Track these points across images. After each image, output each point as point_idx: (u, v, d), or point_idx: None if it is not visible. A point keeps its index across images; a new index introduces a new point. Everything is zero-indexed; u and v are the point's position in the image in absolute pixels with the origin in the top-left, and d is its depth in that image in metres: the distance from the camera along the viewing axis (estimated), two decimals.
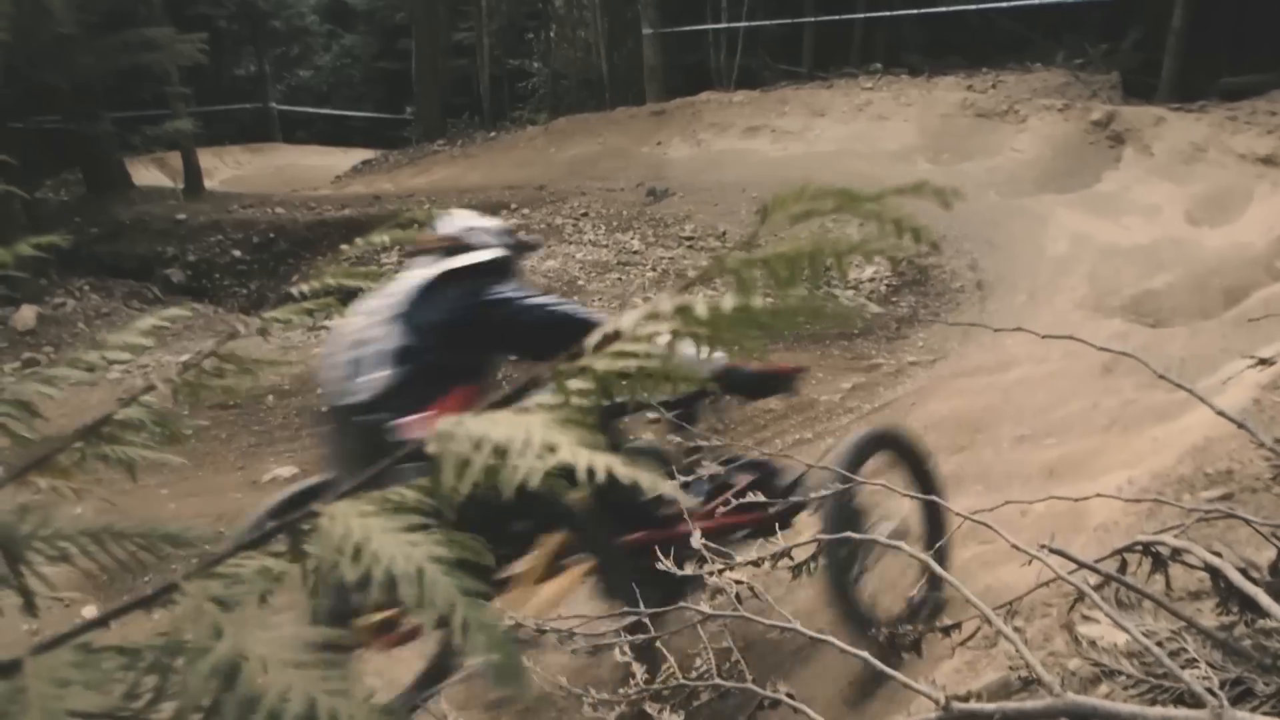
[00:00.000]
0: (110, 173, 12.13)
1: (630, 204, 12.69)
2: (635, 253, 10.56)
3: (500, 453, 0.51)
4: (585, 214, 12.41)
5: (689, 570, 1.72)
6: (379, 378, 2.63)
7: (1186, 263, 7.25)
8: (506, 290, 2.78)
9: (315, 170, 20.35)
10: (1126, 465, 3.94)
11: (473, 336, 2.70)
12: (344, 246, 12.80)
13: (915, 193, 0.60)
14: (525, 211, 12.66)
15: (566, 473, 0.50)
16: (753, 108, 13.77)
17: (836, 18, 14.49)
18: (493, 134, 17.08)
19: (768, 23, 15.38)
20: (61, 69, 9.45)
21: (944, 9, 13.50)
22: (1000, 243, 9.37)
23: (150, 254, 12.36)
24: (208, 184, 16.55)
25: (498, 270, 2.88)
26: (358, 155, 20.73)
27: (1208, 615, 1.45)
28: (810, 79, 14.82)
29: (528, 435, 0.51)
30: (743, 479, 3.37)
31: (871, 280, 9.51)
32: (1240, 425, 1.74)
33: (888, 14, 14.41)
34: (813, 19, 14.74)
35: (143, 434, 0.83)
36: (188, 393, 0.89)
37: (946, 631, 1.70)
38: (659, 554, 1.79)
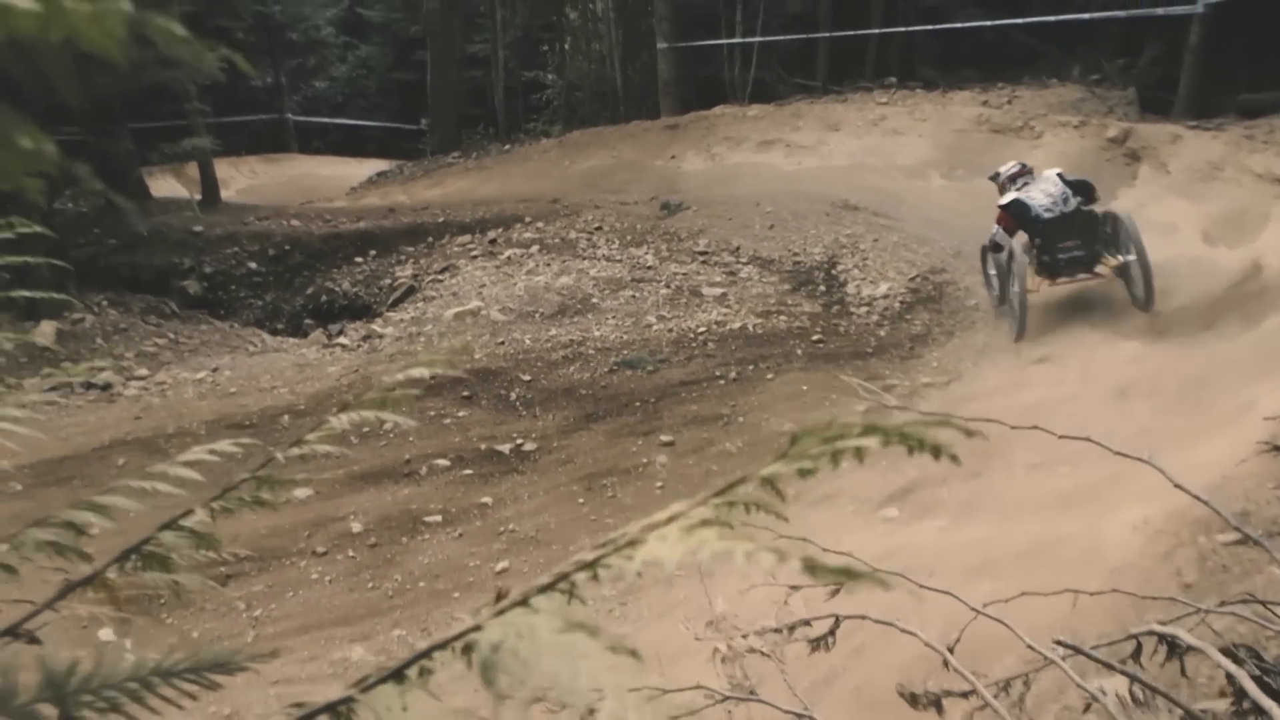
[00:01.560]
0: (129, 186, 12.23)
1: (644, 217, 12.71)
2: (649, 268, 10.57)
3: None
4: (599, 228, 12.43)
5: None
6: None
7: (1204, 283, 7.20)
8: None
9: (330, 180, 20.47)
10: (1142, 498, 3.91)
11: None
12: (358, 260, 12.91)
13: (941, 426, 0.61)
14: (539, 225, 12.70)
15: None
16: (767, 121, 13.77)
17: (851, 33, 14.48)
18: (507, 146, 17.13)
19: (782, 37, 15.39)
20: (81, 88, 9.53)
21: (958, 24, 13.47)
22: None
23: (167, 265, 12.46)
24: (224, 194, 16.68)
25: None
26: (372, 166, 20.83)
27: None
28: (825, 93, 14.82)
29: None
30: None
31: (885, 297, 9.49)
32: (1205, 503, 1.74)
33: (903, 29, 14.39)
34: (827, 34, 14.73)
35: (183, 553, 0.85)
36: (225, 514, 0.90)
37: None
38: None
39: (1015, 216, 7.34)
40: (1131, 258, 7.03)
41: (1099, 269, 7.27)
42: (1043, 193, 7.36)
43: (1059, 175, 7.62)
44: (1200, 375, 5.57)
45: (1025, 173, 7.69)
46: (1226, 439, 4.24)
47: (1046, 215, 7.24)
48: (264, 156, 21.73)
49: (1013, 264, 7.23)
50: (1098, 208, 7.55)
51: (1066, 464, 4.93)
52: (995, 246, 7.60)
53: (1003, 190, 7.65)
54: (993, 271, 8.05)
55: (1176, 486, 1.72)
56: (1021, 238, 7.34)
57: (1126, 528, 3.52)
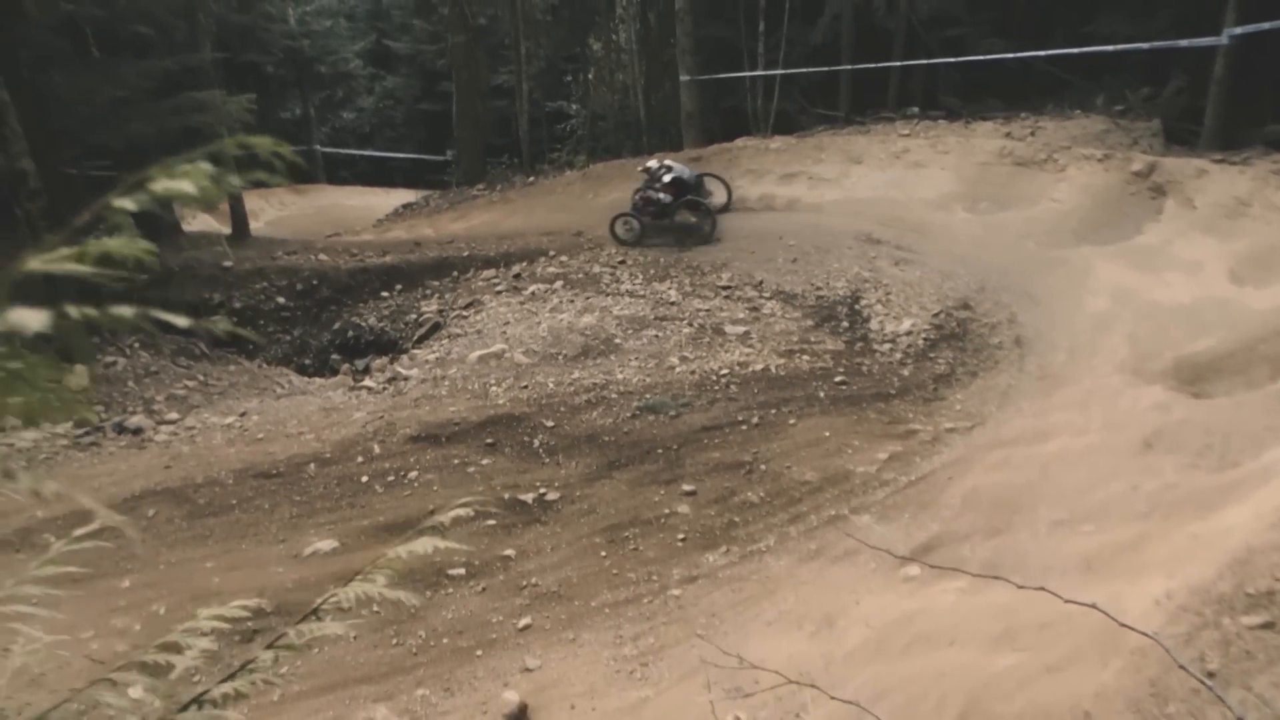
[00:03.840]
0: (162, 229, 12.49)
1: (667, 250, 12.77)
2: (672, 304, 10.61)
3: None
4: (623, 261, 12.50)
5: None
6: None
7: (1230, 326, 7.10)
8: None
9: (358, 211, 20.75)
10: (1165, 566, 3.88)
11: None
12: (384, 294, 13.05)
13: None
14: (563, 259, 12.79)
15: None
16: (789, 154, 13.80)
17: (873, 65, 14.50)
18: (531, 178, 17.28)
19: (804, 70, 15.44)
20: (117, 132, 9.78)
21: (980, 57, 13.45)
22: (1039, 295, 9.28)
23: (198, 300, 12.66)
24: (254, 225, 16.97)
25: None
26: (399, 196, 21.10)
27: None
28: (847, 123, 14.85)
29: None
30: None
31: (909, 334, 9.46)
32: (1154, 638, 1.74)
33: (925, 62, 14.39)
34: (849, 66, 14.76)
35: None
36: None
37: None
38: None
39: (677, 186, 12.60)
40: (721, 200, 13.18)
41: (710, 204, 12.81)
42: (683, 170, 12.83)
43: (676, 164, 13.05)
44: (1227, 428, 5.50)
45: (664, 164, 12.88)
46: (1251, 502, 4.19)
47: (691, 180, 12.74)
48: (293, 188, 22.08)
49: (675, 209, 12.65)
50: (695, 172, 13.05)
51: (1090, 521, 4.90)
52: (658, 205, 12.60)
53: (656, 174, 12.73)
54: (623, 231, 12.91)
55: (1123, 626, 1.73)
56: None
57: (1149, 601, 3.49)
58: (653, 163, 12.99)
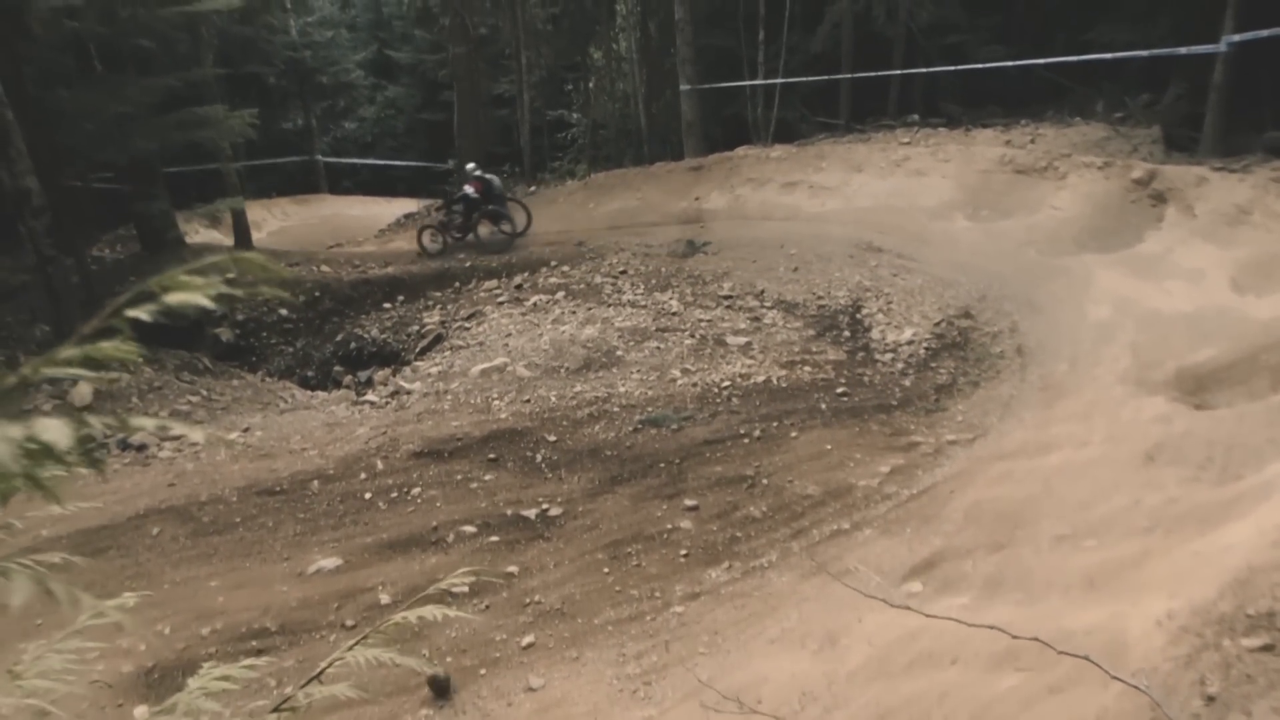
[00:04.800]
0: (166, 244, 12.56)
1: (669, 260, 12.80)
2: (674, 314, 10.63)
3: None
4: (624, 271, 12.52)
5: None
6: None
7: (1232, 336, 7.10)
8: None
9: (360, 221, 20.79)
10: (1167, 584, 3.88)
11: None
12: (386, 305, 13.08)
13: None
14: (565, 269, 12.83)
15: None
16: (790, 162, 13.83)
17: (873, 73, 14.53)
18: (532, 188, 17.32)
19: (805, 78, 15.47)
20: (121, 148, 9.83)
21: (980, 65, 13.48)
22: (1041, 304, 9.29)
23: (200, 313, 12.68)
24: (256, 235, 17.03)
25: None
26: (401, 205, 21.14)
27: None
28: (847, 131, 14.87)
29: None
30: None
31: (910, 343, 9.47)
32: (1144, 691, 1.74)
33: (925, 70, 14.42)
34: (849, 75, 14.79)
35: None
36: None
37: None
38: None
39: (484, 188, 14.10)
40: (521, 223, 14.35)
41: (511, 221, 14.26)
42: (495, 180, 14.43)
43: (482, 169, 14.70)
44: (1228, 440, 5.50)
45: (477, 171, 14.44)
46: (1253, 519, 4.20)
47: (498, 190, 14.35)
48: (295, 198, 22.16)
49: (480, 212, 14.14)
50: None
51: (1093, 536, 4.90)
52: (469, 202, 14.17)
53: (469, 174, 14.35)
54: (435, 242, 14.40)
55: (1114, 678, 1.74)
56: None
57: (1150, 621, 3.49)
58: (471, 164, 14.81)
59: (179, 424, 1.13)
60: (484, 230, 14.21)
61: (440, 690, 4.65)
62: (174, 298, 0.96)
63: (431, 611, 1.75)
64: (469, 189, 14.16)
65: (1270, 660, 2.94)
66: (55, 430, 0.91)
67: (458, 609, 5.31)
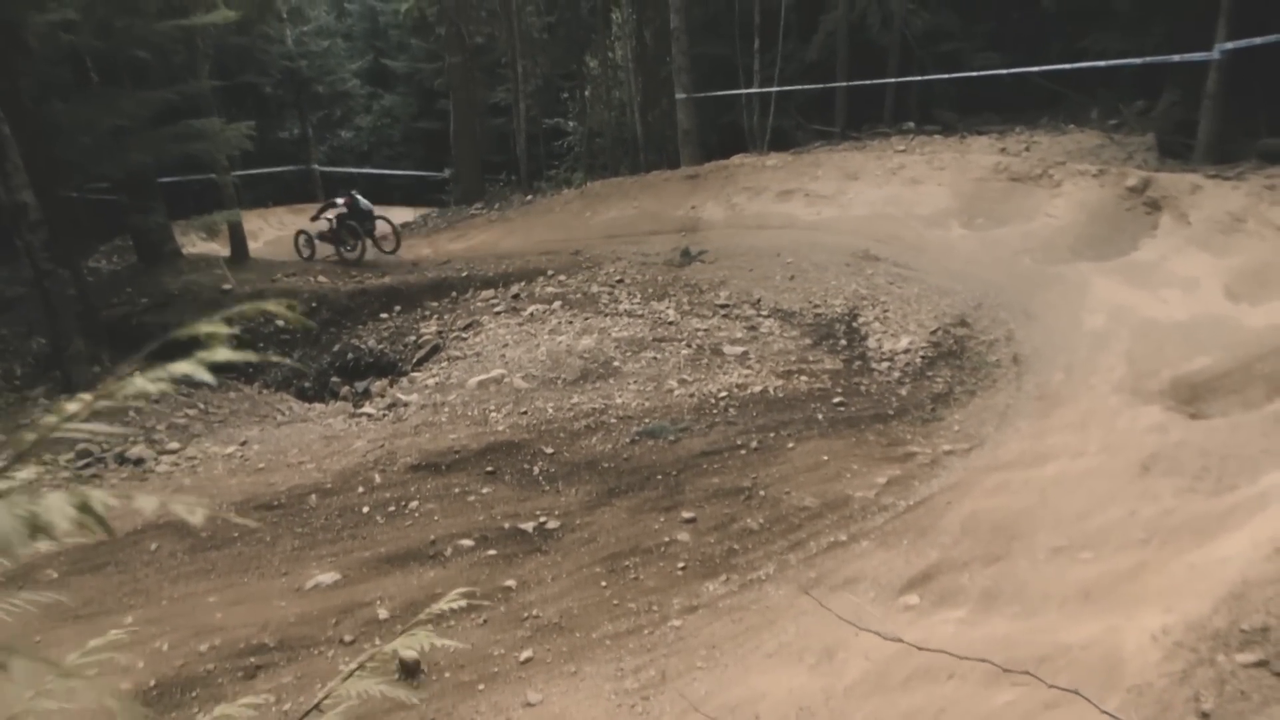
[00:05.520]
0: (163, 256, 12.55)
1: (665, 269, 12.82)
2: (670, 323, 10.64)
3: None
4: (621, 280, 12.55)
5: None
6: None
7: (1227, 345, 7.13)
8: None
9: None
10: (1162, 597, 3.89)
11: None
12: (383, 315, 13.09)
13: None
14: (561, 279, 12.85)
15: None
16: (786, 171, 13.86)
17: (868, 81, 14.58)
18: (529, 197, 17.36)
19: (800, 86, 15.52)
20: (117, 161, 9.84)
21: (975, 73, 13.53)
22: (1037, 312, 9.31)
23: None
24: (253, 245, 17.02)
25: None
26: (397, 214, 21.10)
27: None
28: (843, 138, 14.91)
29: None
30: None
31: (907, 351, 9.49)
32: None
33: (919, 78, 14.47)
34: (845, 83, 14.84)
35: None
36: None
37: None
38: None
39: (351, 206, 14.79)
40: (390, 241, 15.40)
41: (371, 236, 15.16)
42: (368, 204, 15.03)
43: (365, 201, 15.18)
44: (1223, 450, 5.52)
45: (350, 195, 15.00)
46: (1247, 531, 4.22)
47: (365, 206, 14.94)
48: (291, 207, 22.14)
49: (348, 229, 14.87)
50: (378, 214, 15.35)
51: (1089, 548, 4.91)
52: (336, 216, 14.91)
53: (349, 196, 14.98)
54: (307, 248, 15.21)
55: (1105, 713, 1.75)
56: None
57: (1146, 636, 3.51)
58: (355, 192, 15.54)
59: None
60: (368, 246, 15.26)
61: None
62: (211, 356, 0.98)
63: (423, 639, 1.76)
64: (339, 200, 15.12)
65: (1264, 677, 2.96)
66: (57, 511, 0.92)
67: (454, 625, 5.32)
